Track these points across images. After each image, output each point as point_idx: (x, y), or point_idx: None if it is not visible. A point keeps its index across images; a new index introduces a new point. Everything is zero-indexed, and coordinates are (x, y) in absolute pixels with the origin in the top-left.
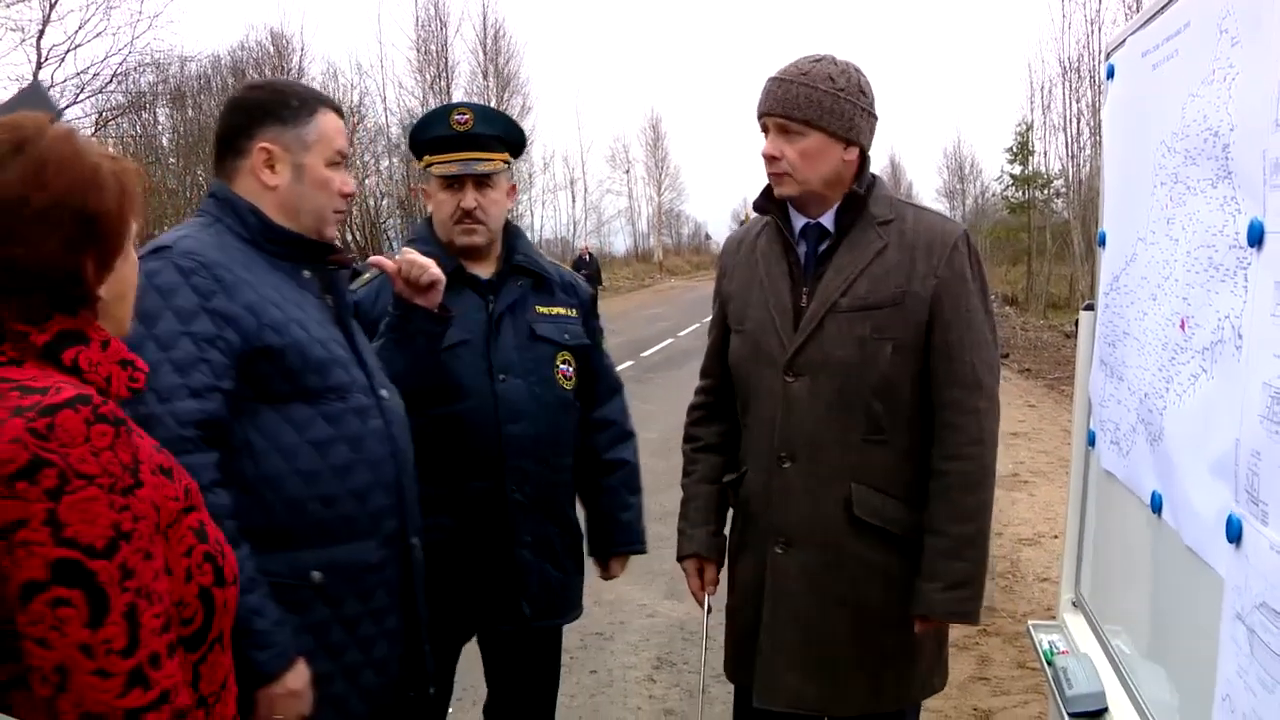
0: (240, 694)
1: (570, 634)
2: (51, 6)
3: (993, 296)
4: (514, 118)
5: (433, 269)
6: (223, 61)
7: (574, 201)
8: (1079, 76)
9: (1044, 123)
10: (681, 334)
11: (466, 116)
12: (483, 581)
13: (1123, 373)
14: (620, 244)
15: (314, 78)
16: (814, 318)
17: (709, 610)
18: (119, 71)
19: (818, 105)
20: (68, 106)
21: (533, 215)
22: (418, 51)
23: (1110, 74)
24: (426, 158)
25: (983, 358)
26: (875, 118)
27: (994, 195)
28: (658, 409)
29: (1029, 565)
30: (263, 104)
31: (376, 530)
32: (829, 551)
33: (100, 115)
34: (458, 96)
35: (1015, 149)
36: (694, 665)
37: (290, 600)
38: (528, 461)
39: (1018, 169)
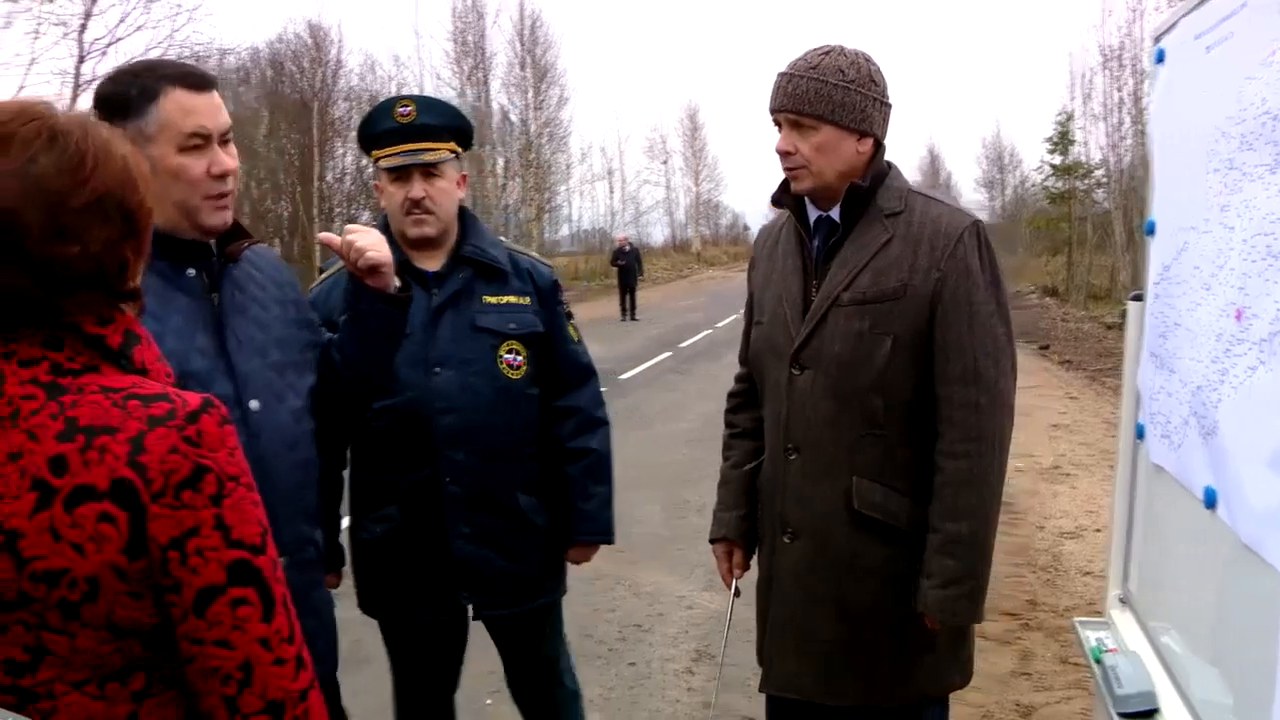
0: None
1: (609, 626)
2: (93, 1)
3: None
4: (530, 108)
5: (371, 253)
6: (261, 54)
7: (612, 192)
8: (1120, 65)
9: (1084, 112)
10: (719, 325)
11: (409, 108)
12: (423, 570)
13: (1174, 365)
14: (658, 235)
15: (352, 69)
16: (817, 312)
17: (737, 593)
18: None
19: (828, 99)
20: None
21: (570, 206)
22: (455, 43)
23: (1160, 58)
24: (374, 153)
25: (987, 352)
26: (888, 106)
27: (1034, 185)
28: (694, 399)
29: (1071, 559)
30: (106, 99)
31: None
32: (824, 545)
33: None
34: (495, 88)
35: (1055, 139)
36: (733, 657)
37: None
38: (460, 453)
39: (1058, 159)
